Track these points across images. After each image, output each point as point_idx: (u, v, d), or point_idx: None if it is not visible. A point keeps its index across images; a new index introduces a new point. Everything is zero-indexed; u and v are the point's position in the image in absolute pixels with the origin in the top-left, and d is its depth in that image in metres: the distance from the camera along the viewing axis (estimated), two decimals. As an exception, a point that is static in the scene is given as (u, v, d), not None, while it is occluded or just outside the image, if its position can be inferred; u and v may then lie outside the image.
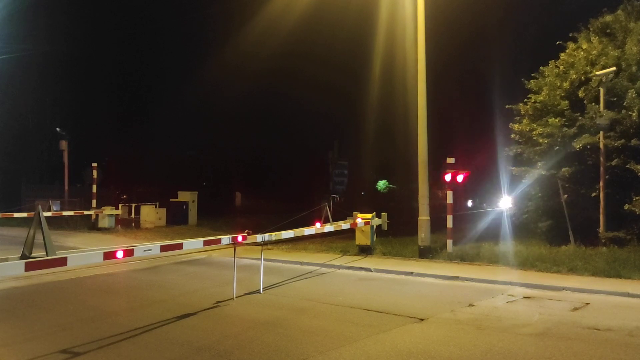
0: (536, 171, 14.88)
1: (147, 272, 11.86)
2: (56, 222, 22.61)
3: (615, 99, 13.82)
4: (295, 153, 42.61)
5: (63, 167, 27.27)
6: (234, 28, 35.95)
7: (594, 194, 13.71)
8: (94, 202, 23.44)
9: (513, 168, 15.86)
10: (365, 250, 14.08)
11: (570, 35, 16.14)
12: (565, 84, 14.84)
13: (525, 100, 15.88)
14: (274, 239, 10.67)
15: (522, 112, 15.86)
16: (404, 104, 21.40)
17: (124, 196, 29.98)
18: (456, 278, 10.65)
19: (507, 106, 16.59)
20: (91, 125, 35.31)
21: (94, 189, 23.51)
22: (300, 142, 42.41)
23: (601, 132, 13.49)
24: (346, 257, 13.73)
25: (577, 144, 13.78)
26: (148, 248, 7.89)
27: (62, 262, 6.54)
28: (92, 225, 22.65)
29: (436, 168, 16.14)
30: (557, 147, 14.46)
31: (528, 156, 15.46)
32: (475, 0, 25.24)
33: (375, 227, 14.39)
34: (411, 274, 11.25)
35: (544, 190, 15.18)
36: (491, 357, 5.78)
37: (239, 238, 9.03)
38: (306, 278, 11.11)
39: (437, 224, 14.30)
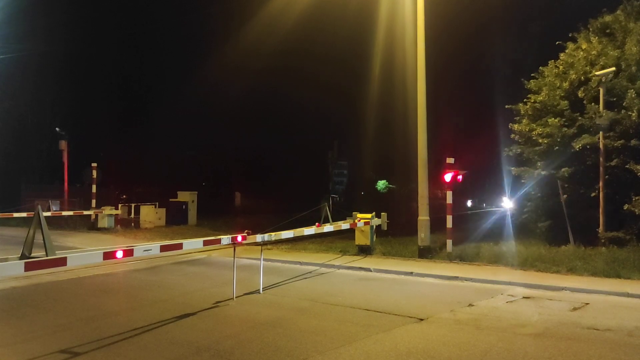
0: (536, 171, 14.89)
1: (146, 272, 11.86)
2: (56, 222, 22.61)
3: (614, 99, 13.83)
4: (295, 153, 42.61)
5: (63, 167, 27.23)
6: (234, 28, 35.92)
7: (593, 194, 13.72)
8: (93, 202, 23.43)
9: (513, 168, 15.88)
10: (364, 250, 14.09)
11: (569, 35, 16.16)
12: (565, 84, 14.85)
13: (525, 100, 15.89)
14: (273, 239, 10.67)
15: (522, 112, 15.87)
16: (403, 104, 21.41)
17: (124, 196, 29.97)
18: (456, 278, 10.66)
19: (506, 106, 16.61)
20: (91, 125, 35.26)
21: (94, 189, 23.51)
22: (300, 142, 42.40)
23: (601, 132, 13.50)
24: (346, 257, 13.73)
25: (577, 144, 13.79)
26: (148, 248, 7.89)
27: (62, 262, 6.54)
28: (91, 225, 22.65)
29: (436, 168, 16.15)
30: (557, 147, 14.47)
31: (528, 156, 15.48)
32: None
33: (374, 227, 14.39)
34: (411, 274, 11.25)
35: (544, 190, 15.19)
36: (491, 357, 5.78)
37: (239, 238, 9.03)
38: (306, 278, 11.11)
39: (436, 224, 14.30)
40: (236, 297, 8.78)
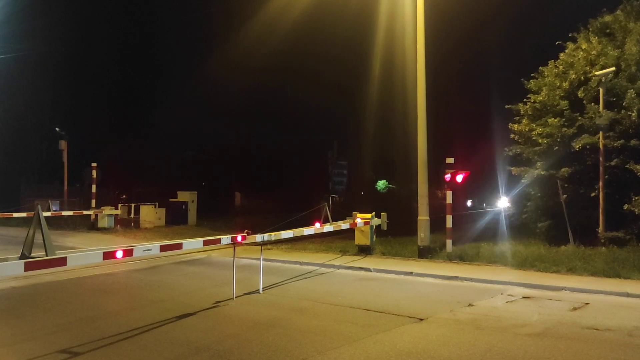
0: (535, 171, 14.89)
1: (146, 272, 11.86)
2: (55, 222, 22.61)
3: (614, 99, 13.83)
4: (295, 153, 42.62)
5: (62, 167, 27.25)
6: (234, 28, 35.98)
7: (593, 194, 13.71)
8: (93, 202, 23.42)
9: (512, 168, 15.87)
10: (364, 250, 14.09)
11: (569, 35, 16.15)
12: (565, 84, 14.85)
13: (524, 100, 15.88)
14: (273, 239, 10.68)
15: (522, 112, 15.86)
16: (403, 104, 21.44)
17: (124, 196, 30.00)
18: (455, 278, 10.66)
19: (506, 106, 16.60)
20: (91, 125, 35.28)
21: (94, 188, 23.49)
22: (299, 142, 42.42)
23: (600, 132, 13.50)
24: (346, 257, 13.73)
25: (577, 144, 13.79)
26: (147, 248, 7.89)
27: (62, 262, 6.54)
28: (91, 225, 22.64)
29: (436, 168, 16.15)
30: (557, 147, 14.47)
31: (527, 156, 15.47)
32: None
33: (374, 227, 14.39)
34: (410, 273, 11.25)
35: (543, 190, 15.18)
36: (490, 356, 5.78)
37: (239, 238, 9.04)
38: (305, 278, 11.11)
39: (436, 224, 14.30)
40: (236, 297, 8.78)
